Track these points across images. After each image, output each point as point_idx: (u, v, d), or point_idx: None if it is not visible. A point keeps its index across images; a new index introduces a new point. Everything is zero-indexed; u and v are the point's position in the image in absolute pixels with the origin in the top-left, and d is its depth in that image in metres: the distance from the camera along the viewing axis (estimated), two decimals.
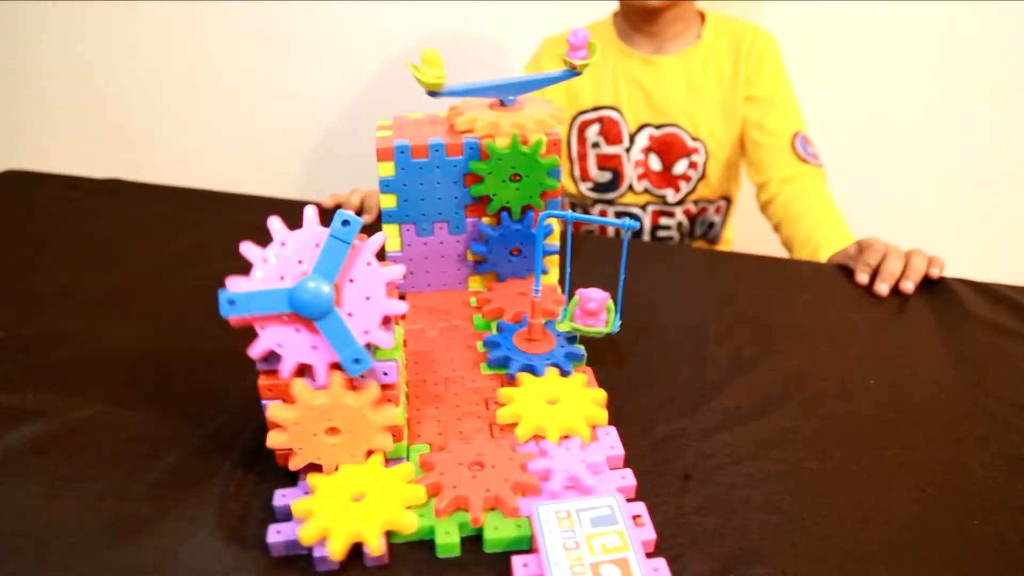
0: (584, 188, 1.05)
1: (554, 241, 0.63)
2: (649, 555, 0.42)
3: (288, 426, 0.44)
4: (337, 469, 0.45)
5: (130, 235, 0.80)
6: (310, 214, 0.42)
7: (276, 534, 0.43)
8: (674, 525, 0.44)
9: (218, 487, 0.47)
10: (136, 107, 1.52)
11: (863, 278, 0.70)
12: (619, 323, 0.54)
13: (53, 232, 0.81)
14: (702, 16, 1.01)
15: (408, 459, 0.47)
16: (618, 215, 1.06)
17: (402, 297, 0.64)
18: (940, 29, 1.16)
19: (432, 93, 0.57)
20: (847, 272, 0.73)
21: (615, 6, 1.02)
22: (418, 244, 0.62)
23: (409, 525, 0.42)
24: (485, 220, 0.62)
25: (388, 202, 0.60)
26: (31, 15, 1.51)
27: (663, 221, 1.05)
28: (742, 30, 1.00)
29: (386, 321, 0.44)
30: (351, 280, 0.42)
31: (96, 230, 0.81)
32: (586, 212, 1.08)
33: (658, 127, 1.01)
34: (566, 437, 0.48)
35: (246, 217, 0.83)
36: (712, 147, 1.01)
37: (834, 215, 0.89)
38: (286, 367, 0.43)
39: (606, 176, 1.04)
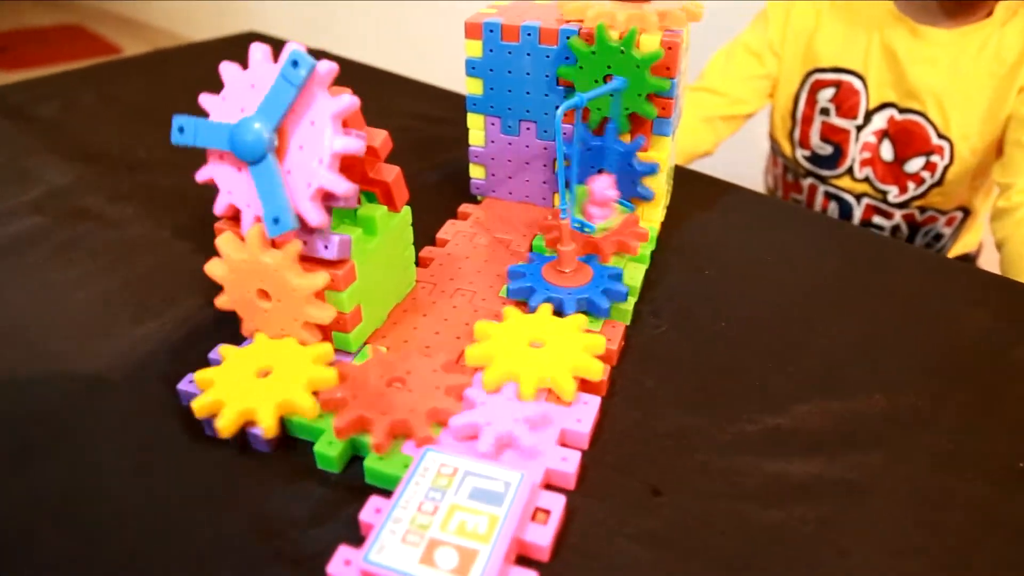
0: (799, 154, 0.85)
1: (650, 186, 0.49)
2: (526, 562, 0.30)
3: (224, 284, 0.38)
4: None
5: None
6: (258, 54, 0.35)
7: (188, 383, 0.38)
8: (596, 543, 0.32)
9: (194, 324, 0.44)
10: None
11: None
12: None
13: None
14: None
15: (355, 355, 0.40)
16: (828, 197, 0.85)
17: (479, 201, 0.56)
18: None
19: None
20: None
21: None
22: (502, 143, 0.52)
23: (267, 427, 0.34)
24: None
25: (473, 87, 0.51)
26: None
27: (876, 220, 0.82)
28: None
29: (325, 197, 0.35)
30: (299, 146, 0.34)
31: None
32: (796, 180, 0.88)
33: (902, 111, 0.77)
34: (546, 390, 0.37)
35: (409, 104, 0.79)
36: (961, 150, 0.75)
37: None
38: (219, 204, 0.37)
39: (826, 149, 0.83)
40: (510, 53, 0.48)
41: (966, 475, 0.36)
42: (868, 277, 0.51)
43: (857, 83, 0.79)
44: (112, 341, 0.43)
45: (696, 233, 0.55)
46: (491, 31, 0.48)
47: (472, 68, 0.50)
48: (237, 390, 0.35)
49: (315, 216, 0.34)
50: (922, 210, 0.81)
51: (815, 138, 0.83)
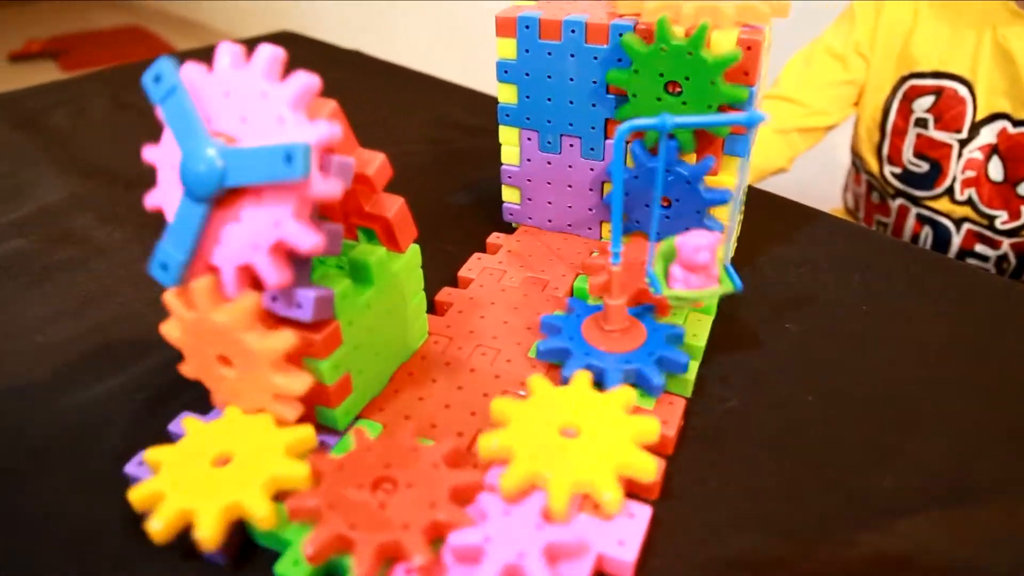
0: (888, 171, 0.74)
1: (719, 218, 0.40)
2: None
3: (182, 349, 0.31)
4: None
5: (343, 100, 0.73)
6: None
7: (137, 465, 0.31)
8: None
9: (163, 381, 0.37)
10: None
11: None
12: (738, 280, 0.33)
13: None
14: None
15: (343, 436, 0.32)
16: (920, 221, 0.73)
17: (512, 230, 0.47)
18: None
19: None
20: None
21: None
22: (540, 161, 0.44)
23: (206, 536, 0.26)
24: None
25: (506, 95, 0.43)
26: None
27: (979, 249, 0.70)
28: None
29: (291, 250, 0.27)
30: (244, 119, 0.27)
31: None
32: (883, 201, 0.77)
33: (1016, 123, 0.65)
34: (583, 497, 0.28)
35: (447, 110, 0.71)
36: None
37: None
38: (227, 275, 0.29)
39: (922, 167, 0.71)
40: (550, 54, 0.40)
41: None
42: (995, 336, 0.40)
43: (962, 90, 0.68)
44: (66, 399, 0.36)
45: (773, 274, 0.45)
46: (527, 27, 0.39)
47: (505, 72, 0.41)
48: (184, 481, 0.28)
49: (274, 274, 0.26)
50: None
51: (908, 153, 0.72)
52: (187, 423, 0.30)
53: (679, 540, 0.29)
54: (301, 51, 0.89)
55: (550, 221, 0.46)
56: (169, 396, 0.36)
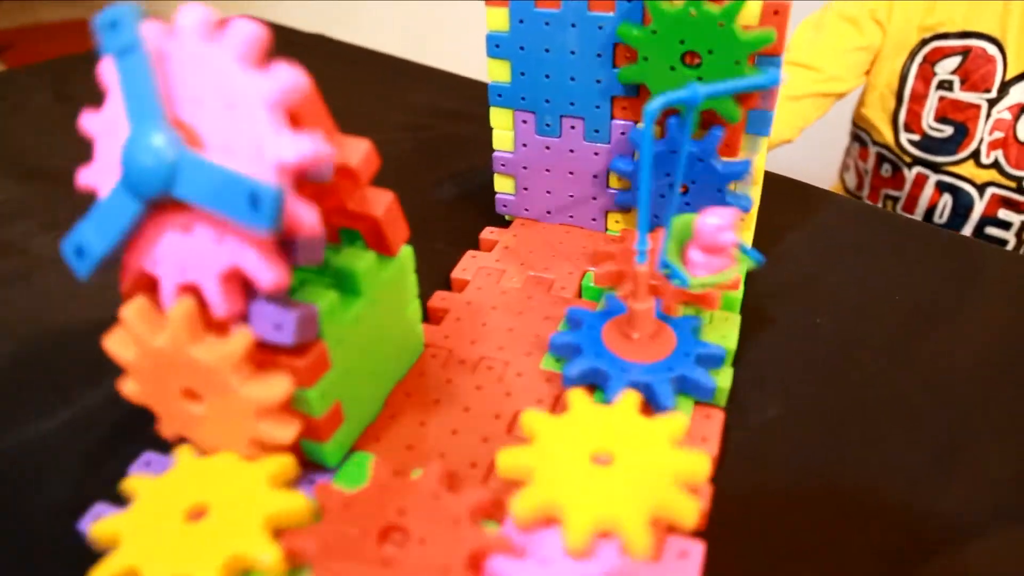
0: (905, 139, 0.71)
1: (745, 192, 0.36)
2: None
3: (130, 372, 0.26)
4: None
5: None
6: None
7: (93, 519, 0.26)
8: None
9: (117, 418, 0.32)
10: None
11: None
12: (756, 253, 0.30)
13: None
14: None
15: (337, 473, 0.27)
16: (940, 188, 0.70)
17: (507, 223, 0.43)
18: None
19: None
20: None
21: None
22: (538, 146, 0.39)
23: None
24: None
25: (498, 72, 0.38)
26: None
27: (1003, 215, 0.68)
28: None
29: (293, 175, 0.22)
30: (202, 102, 0.22)
31: None
32: (897, 172, 0.74)
33: None
34: (604, 536, 0.24)
35: (426, 96, 0.66)
36: None
37: None
38: (166, 291, 0.24)
39: (945, 130, 0.68)
40: (548, 24, 0.35)
41: None
42: None
43: (991, 48, 0.65)
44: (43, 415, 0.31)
45: (793, 262, 0.41)
46: None
47: (496, 46, 0.37)
48: (160, 547, 0.23)
49: (222, 304, 0.22)
50: None
51: (929, 118, 0.69)
52: (132, 484, 0.25)
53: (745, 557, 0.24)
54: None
55: (549, 213, 0.41)
56: (126, 434, 0.31)
